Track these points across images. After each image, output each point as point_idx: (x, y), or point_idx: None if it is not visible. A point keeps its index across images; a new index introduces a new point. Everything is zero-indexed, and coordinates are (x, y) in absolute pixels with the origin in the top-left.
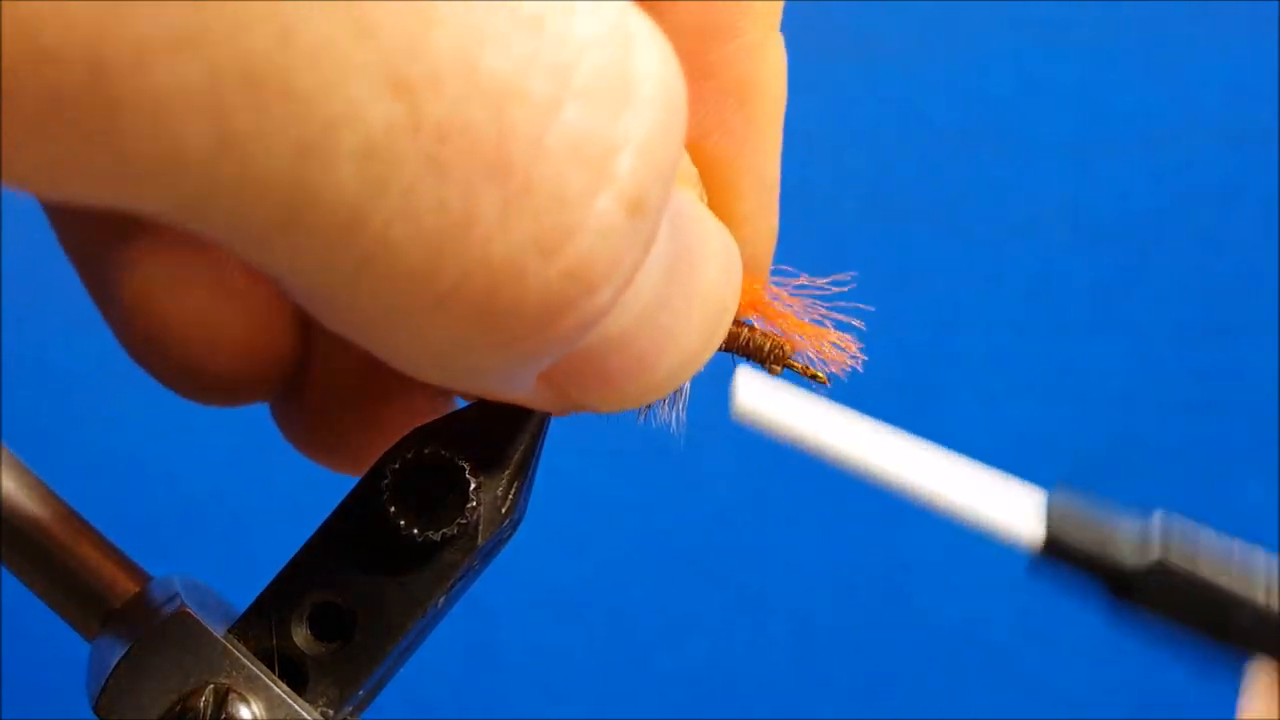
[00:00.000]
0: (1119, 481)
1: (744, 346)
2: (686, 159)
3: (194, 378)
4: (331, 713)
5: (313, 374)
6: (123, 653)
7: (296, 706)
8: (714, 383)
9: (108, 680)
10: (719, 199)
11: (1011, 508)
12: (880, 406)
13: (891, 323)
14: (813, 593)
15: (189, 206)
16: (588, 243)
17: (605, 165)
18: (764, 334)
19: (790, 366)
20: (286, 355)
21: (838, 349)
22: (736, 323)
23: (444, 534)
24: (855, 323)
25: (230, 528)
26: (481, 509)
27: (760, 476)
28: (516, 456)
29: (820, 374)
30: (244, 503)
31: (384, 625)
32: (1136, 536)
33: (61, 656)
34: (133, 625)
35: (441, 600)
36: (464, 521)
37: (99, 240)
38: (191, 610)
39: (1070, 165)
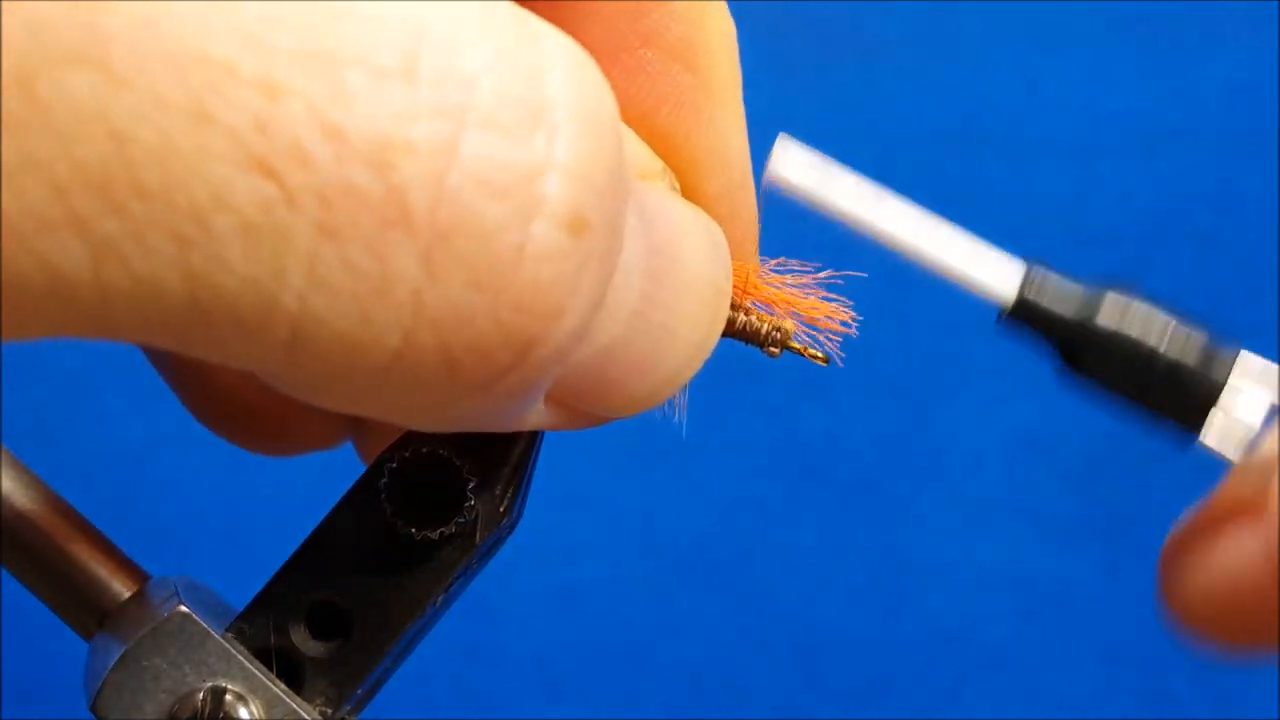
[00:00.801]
0: (1120, 482)
1: (740, 331)
2: (649, 152)
3: (270, 433)
4: (330, 712)
5: None
6: (120, 652)
7: (295, 706)
8: (713, 381)
9: (105, 680)
10: (687, 181)
11: (994, 271)
12: (881, 406)
13: (892, 322)
14: (813, 593)
15: (97, 322)
16: (532, 271)
17: (529, 191)
18: (760, 316)
19: (789, 348)
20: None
21: (833, 325)
22: (731, 307)
23: (442, 533)
24: (847, 310)
25: (229, 528)
26: (479, 508)
27: (760, 477)
28: (514, 455)
29: (820, 354)
30: (243, 503)
31: (382, 625)
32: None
33: (61, 656)
34: (131, 625)
35: (440, 599)
36: (462, 521)
37: None
38: (189, 610)
39: (1070, 165)
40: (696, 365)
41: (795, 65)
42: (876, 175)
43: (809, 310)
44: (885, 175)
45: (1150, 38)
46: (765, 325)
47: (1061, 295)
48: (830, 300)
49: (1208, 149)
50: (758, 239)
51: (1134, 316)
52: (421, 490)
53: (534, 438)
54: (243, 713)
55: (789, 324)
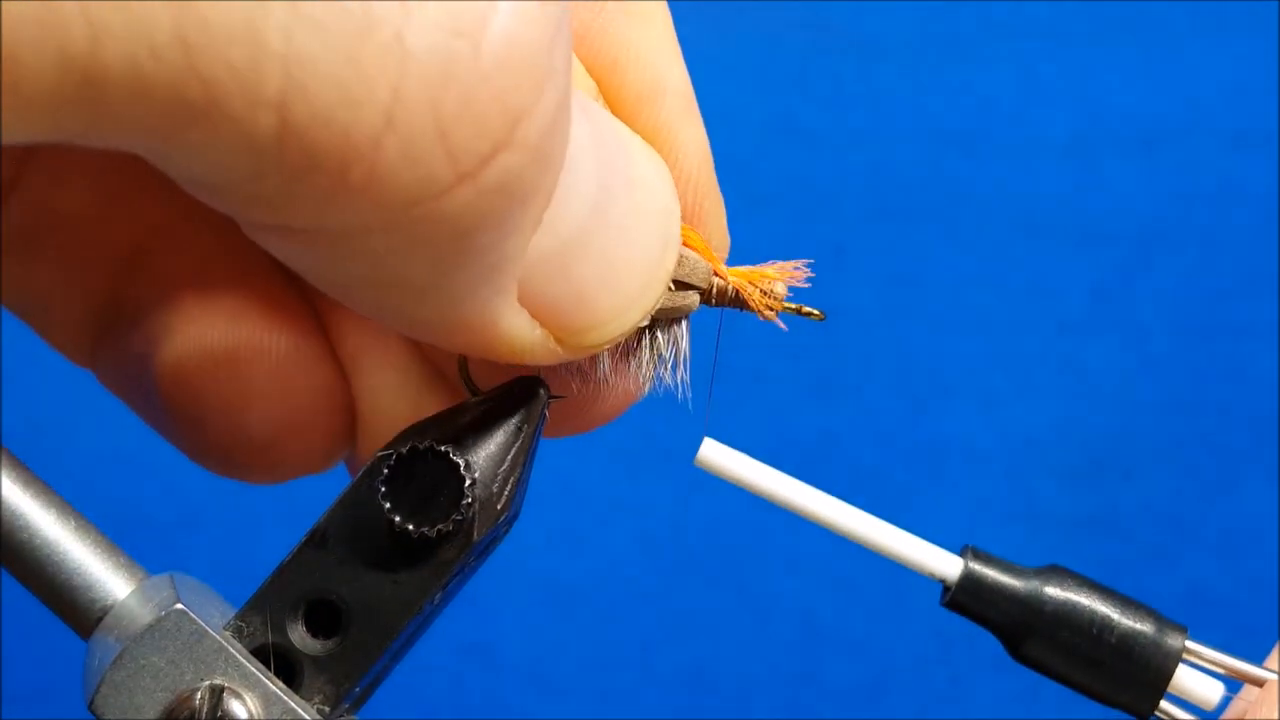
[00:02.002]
0: (1119, 482)
1: (734, 298)
2: (585, 75)
3: (256, 449)
4: (328, 709)
5: (364, 420)
6: (118, 651)
7: (292, 704)
8: (712, 380)
9: (103, 678)
10: (623, 114)
11: (928, 559)
12: (881, 406)
13: (892, 323)
14: (813, 593)
15: (91, 81)
16: (509, 23)
17: None
18: (752, 280)
19: (785, 309)
20: (327, 397)
21: (797, 281)
22: (722, 277)
23: (439, 530)
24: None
25: (226, 526)
26: (477, 505)
27: None
28: (512, 452)
29: (816, 311)
30: (239, 501)
31: (379, 622)
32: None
33: (60, 656)
34: (128, 623)
35: (437, 597)
36: (459, 518)
37: (126, 357)
38: (187, 608)
39: (1070, 165)
40: (658, 286)
41: (795, 65)
42: (877, 175)
43: (774, 276)
44: (885, 175)
45: (1150, 38)
46: (757, 290)
47: (999, 589)
48: (790, 268)
49: (1208, 149)
50: (714, 179)
51: (1075, 608)
52: (419, 487)
53: (532, 434)
54: (240, 711)
55: (780, 287)
